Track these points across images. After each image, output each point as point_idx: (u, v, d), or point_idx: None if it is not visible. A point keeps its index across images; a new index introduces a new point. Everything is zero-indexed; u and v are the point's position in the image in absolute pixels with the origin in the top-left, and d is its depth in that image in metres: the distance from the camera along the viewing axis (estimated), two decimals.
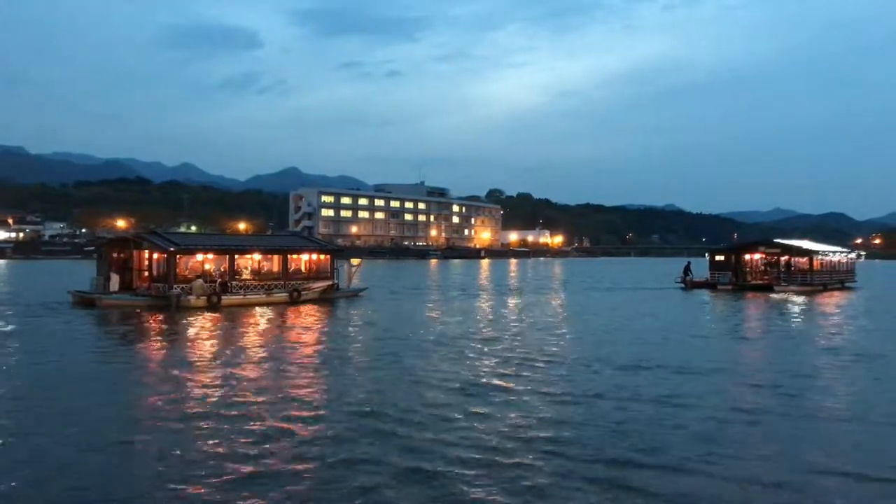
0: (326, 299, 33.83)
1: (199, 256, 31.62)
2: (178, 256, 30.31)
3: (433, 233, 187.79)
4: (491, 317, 28.10)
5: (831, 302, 36.69)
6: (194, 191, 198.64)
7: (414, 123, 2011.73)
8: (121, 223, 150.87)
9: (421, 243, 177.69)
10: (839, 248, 52.33)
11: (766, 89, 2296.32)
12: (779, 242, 45.80)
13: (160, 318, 25.74)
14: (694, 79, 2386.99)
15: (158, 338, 21.17)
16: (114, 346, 19.50)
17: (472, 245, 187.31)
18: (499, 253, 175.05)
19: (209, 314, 27.05)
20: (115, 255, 31.80)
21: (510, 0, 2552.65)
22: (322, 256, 36.77)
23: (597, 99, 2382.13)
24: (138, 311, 27.83)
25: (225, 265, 31.96)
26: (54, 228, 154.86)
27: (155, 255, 31.05)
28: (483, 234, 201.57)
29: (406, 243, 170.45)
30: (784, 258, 43.24)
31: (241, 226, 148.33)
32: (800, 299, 37.46)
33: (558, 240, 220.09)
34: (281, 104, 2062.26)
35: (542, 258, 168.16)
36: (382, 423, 10.80)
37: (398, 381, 14.14)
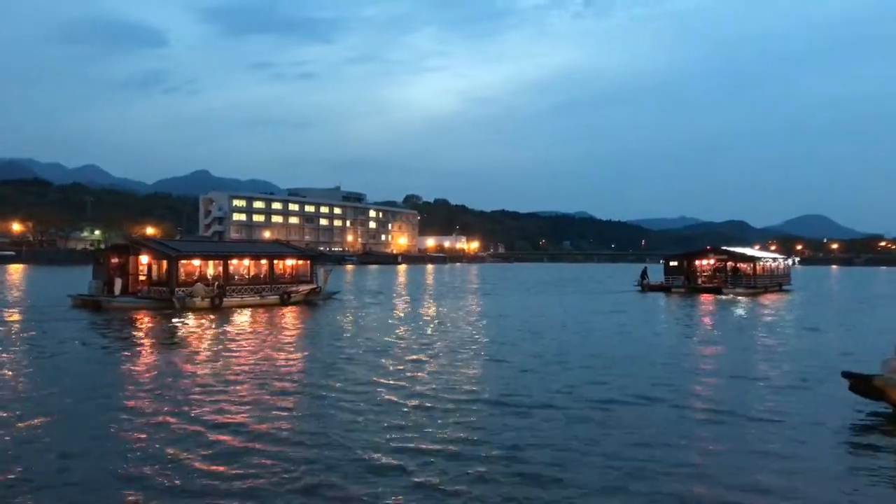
0: (310, 301, 35.80)
1: (197, 262, 32.27)
2: (178, 261, 30.90)
3: (349, 238, 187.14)
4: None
5: (773, 300, 40.79)
6: (98, 194, 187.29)
7: (329, 126, 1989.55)
8: (17, 227, 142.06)
9: (337, 249, 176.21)
10: (778, 255, 57.56)
11: (673, 99, 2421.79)
12: (726, 250, 50.39)
13: (174, 318, 26.51)
14: (604, 88, 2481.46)
15: (195, 334, 21.81)
16: (167, 343, 19.96)
17: (389, 251, 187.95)
18: (416, 258, 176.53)
19: (214, 314, 28.21)
20: (113, 260, 32.46)
21: (423, 2, 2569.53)
22: (301, 262, 38.21)
23: (512, 106, 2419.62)
24: (151, 313, 28.31)
25: (219, 270, 32.86)
26: None
27: (153, 260, 31.72)
28: (400, 240, 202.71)
29: (321, 249, 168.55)
30: (731, 264, 47.51)
31: (149, 230, 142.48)
32: (745, 299, 41.33)
33: (474, 245, 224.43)
34: (189, 105, 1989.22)
35: (458, 264, 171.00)
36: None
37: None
